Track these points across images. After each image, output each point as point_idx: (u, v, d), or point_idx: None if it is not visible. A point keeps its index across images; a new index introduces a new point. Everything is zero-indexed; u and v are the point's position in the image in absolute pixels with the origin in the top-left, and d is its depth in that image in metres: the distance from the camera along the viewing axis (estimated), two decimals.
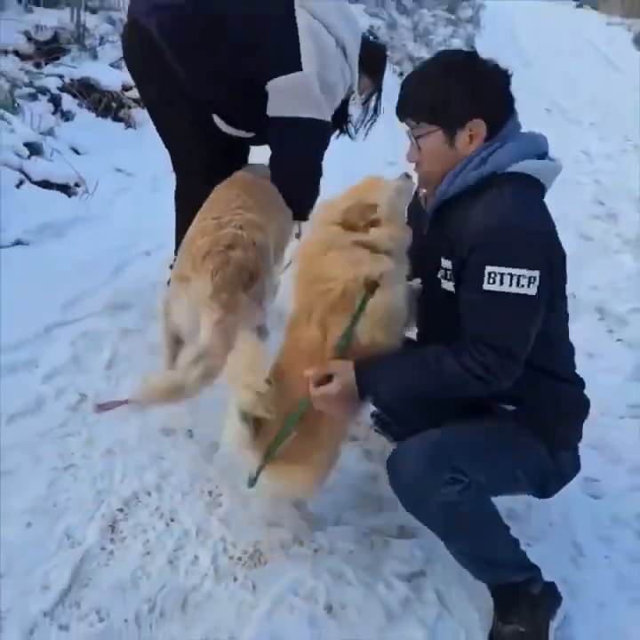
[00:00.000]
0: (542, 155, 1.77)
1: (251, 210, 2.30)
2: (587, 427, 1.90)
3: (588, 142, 7.47)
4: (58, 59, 4.59)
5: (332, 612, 1.79)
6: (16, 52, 4.45)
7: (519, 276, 1.57)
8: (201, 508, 2.05)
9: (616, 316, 3.58)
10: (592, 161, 6.74)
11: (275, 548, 1.95)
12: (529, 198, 1.70)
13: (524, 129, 1.81)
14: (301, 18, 2.43)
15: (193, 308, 2.09)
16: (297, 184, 2.63)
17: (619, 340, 3.39)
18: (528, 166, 1.70)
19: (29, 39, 4.54)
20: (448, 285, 1.79)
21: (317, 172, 2.71)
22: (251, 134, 2.73)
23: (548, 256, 1.64)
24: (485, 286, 1.59)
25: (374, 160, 5.21)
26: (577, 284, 3.40)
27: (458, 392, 1.71)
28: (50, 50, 4.60)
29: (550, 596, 1.84)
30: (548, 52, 14.02)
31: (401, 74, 8.31)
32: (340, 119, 2.84)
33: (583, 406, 1.88)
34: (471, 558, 1.78)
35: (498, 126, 1.74)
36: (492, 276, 1.58)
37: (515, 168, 1.69)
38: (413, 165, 1.88)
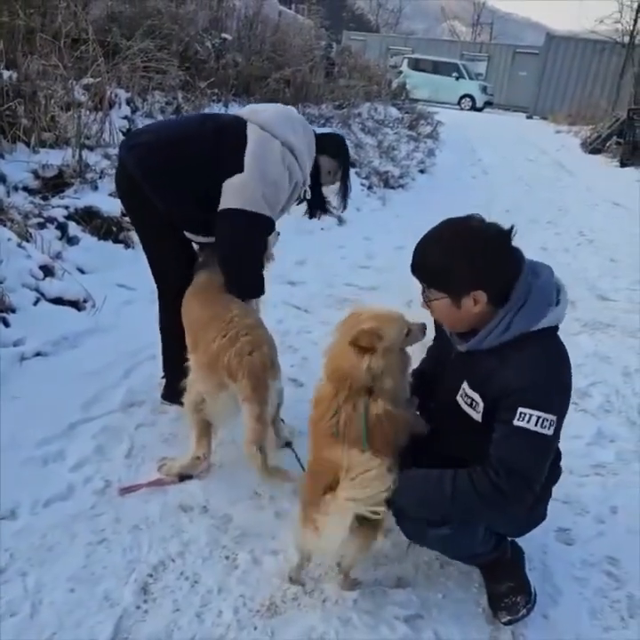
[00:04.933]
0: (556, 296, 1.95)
1: (244, 316, 2.66)
2: (557, 485, 2.23)
3: (546, 238, 7.95)
4: (63, 191, 5.04)
5: None
6: (25, 188, 4.96)
7: (543, 419, 1.83)
8: (220, 570, 2.28)
9: (578, 390, 3.88)
10: (551, 255, 7.11)
11: (288, 600, 2.19)
12: (561, 354, 1.94)
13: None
14: (251, 131, 2.74)
15: (233, 405, 2.56)
16: (230, 271, 2.80)
17: (581, 410, 3.72)
18: (551, 320, 1.91)
19: (37, 176, 5.03)
20: (467, 409, 2.05)
21: (249, 261, 2.83)
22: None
23: (566, 405, 1.94)
24: (515, 422, 1.85)
25: (351, 264, 5.75)
26: None
27: (468, 511, 1.95)
28: (55, 184, 5.06)
29: (517, 552, 2.26)
30: (504, 159, 15.09)
31: (370, 187, 9.03)
32: (319, 203, 3.16)
33: (559, 474, 2.23)
34: (460, 557, 2.20)
35: (504, 292, 1.91)
36: (522, 415, 1.84)
37: (541, 325, 1.90)
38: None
